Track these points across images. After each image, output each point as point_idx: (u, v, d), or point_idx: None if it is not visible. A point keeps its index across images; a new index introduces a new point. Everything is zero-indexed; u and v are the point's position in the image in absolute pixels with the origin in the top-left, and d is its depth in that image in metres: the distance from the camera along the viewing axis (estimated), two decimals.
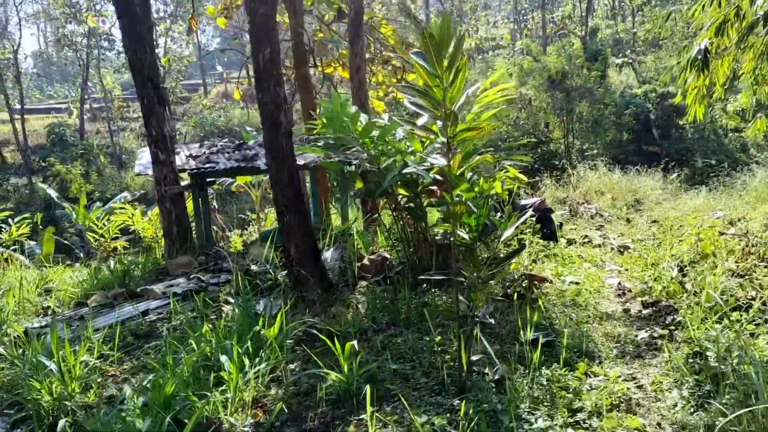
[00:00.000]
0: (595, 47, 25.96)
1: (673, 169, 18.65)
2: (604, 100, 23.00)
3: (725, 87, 11.05)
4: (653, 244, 9.92)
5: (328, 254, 7.21)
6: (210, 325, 4.80)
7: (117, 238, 12.79)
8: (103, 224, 12.10)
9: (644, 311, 6.17)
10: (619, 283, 7.35)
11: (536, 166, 21.72)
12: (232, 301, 5.44)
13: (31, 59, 53.35)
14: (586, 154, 22.45)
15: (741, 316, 5.08)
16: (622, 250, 9.71)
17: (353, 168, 6.54)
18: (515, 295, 6.21)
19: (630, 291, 7.04)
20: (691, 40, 12.44)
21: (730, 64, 10.56)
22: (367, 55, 14.19)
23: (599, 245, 10.29)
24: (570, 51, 23.32)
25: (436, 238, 6.72)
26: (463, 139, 4.00)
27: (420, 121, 3.92)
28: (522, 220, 4.14)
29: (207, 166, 8.78)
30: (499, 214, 4.04)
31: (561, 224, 10.59)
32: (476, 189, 4.32)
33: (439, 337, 4.89)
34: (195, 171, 8.70)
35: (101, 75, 31.42)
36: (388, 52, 13.19)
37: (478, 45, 29.00)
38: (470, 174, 4.90)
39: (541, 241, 8.91)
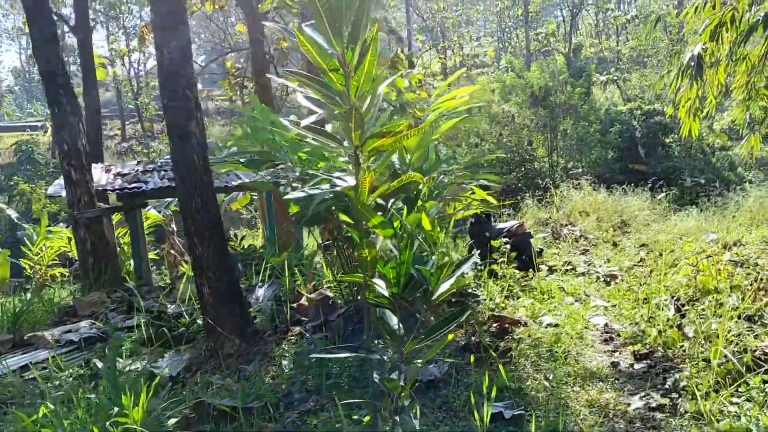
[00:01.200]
0: (579, 64, 24.98)
1: (661, 189, 17.51)
2: (588, 117, 21.93)
3: (717, 100, 9.97)
4: (643, 272, 8.72)
5: (260, 292, 5.94)
6: (56, 405, 3.49)
7: (59, 264, 11.46)
8: (40, 249, 10.79)
9: (637, 366, 4.92)
10: (606, 325, 6.11)
11: (519, 185, 20.58)
12: (101, 364, 4.17)
13: (12, 76, 51.92)
14: (571, 172, 21.35)
15: (764, 384, 3.85)
16: (608, 279, 8.50)
17: (284, 189, 5.30)
18: (479, 345, 4.97)
19: (619, 335, 5.80)
20: (682, 47, 11.34)
21: (724, 73, 9.46)
22: None
23: (583, 273, 9.07)
24: (553, 67, 22.29)
25: None
26: (376, 149, 2.77)
27: (306, 121, 2.69)
28: (458, 275, 2.89)
29: (133, 186, 7.54)
30: (427, 264, 2.80)
31: (541, 250, 9.38)
32: (396, 224, 3.08)
33: (368, 417, 3.62)
34: (119, 192, 7.45)
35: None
36: None
37: (462, 62, 27.94)
38: (392, 200, 3.68)
39: (517, 271, 7.68)
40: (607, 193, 15.28)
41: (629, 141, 23.09)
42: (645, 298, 6.88)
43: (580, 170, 21.64)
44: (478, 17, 32.98)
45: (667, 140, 24.13)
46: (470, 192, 5.83)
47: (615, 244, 11.86)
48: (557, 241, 12.61)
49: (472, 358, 4.31)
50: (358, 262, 5.39)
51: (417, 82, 12.40)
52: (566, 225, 13.54)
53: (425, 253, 3.23)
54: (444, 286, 2.82)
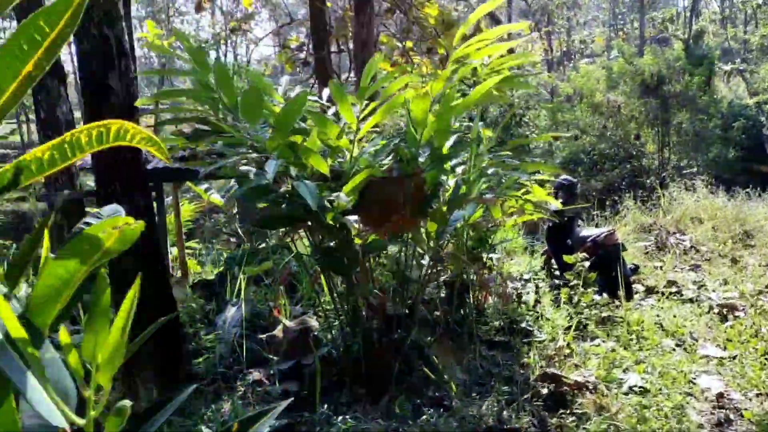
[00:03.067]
0: (699, 51, 21.81)
1: None
2: (708, 110, 18.91)
3: None
4: None
5: (231, 312, 4.31)
6: None
7: None
8: None
9: None
10: (721, 395, 4.03)
11: (623, 184, 18.04)
12: None
13: None
14: (684, 172, 18.52)
15: None
16: (725, 311, 6.28)
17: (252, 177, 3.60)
18: (519, 422, 3.11)
19: (741, 415, 3.74)
20: None
21: None
22: (409, 43, 11.25)
23: (691, 300, 6.87)
24: (669, 54, 19.40)
25: (389, 304, 3.67)
26: None
27: None
28: None
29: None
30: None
31: (636, 267, 7.23)
32: None
33: None
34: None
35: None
36: (427, 36, 10.18)
37: (568, 48, 25.24)
38: None
39: (598, 297, 5.65)
40: (727, 196, 12.63)
41: (755, 139, 19.89)
42: None
43: (695, 169, 18.78)
44: (587, 2, 29.87)
45: None
46: (524, 191, 3.93)
47: (734, 261, 9.41)
48: (661, 252, 10.28)
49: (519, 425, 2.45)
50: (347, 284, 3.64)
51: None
52: (674, 233, 11.14)
53: None
54: None
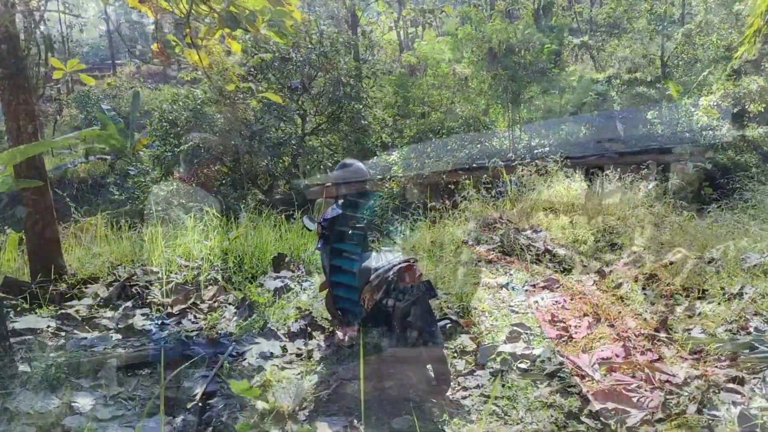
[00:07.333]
0: (548, 24, 19.43)
1: (652, 175, 12.07)
2: (559, 84, 16.47)
3: None
4: (690, 391, 3.40)
5: None
6: None
7: None
8: None
9: None
10: None
11: (473, 166, 15.18)
12: None
13: None
14: (536, 151, 16.00)
15: None
16: (612, 419, 3.13)
17: None
18: None
19: None
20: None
21: None
22: None
23: (551, 377, 3.70)
24: (519, 21, 16.72)
25: None
26: None
27: None
28: None
29: None
30: None
31: (456, 322, 3.93)
32: None
33: None
34: None
35: None
36: None
37: (415, 17, 22.12)
38: None
39: None
40: (585, 181, 9.88)
41: (606, 115, 17.79)
42: None
43: (548, 149, 16.31)
44: None
45: (649, 116, 18.85)
46: None
47: (601, 274, 6.50)
48: (505, 259, 7.24)
49: None
50: None
51: None
52: (524, 230, 8.15)
53: None
54: None
